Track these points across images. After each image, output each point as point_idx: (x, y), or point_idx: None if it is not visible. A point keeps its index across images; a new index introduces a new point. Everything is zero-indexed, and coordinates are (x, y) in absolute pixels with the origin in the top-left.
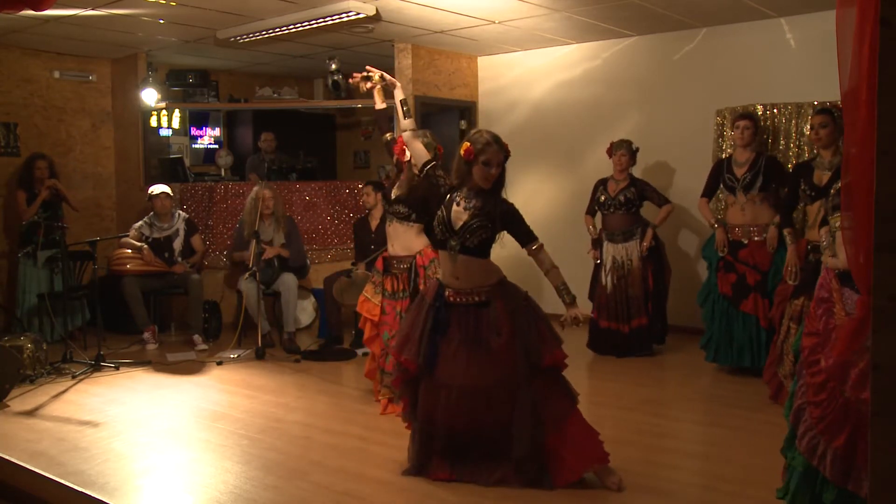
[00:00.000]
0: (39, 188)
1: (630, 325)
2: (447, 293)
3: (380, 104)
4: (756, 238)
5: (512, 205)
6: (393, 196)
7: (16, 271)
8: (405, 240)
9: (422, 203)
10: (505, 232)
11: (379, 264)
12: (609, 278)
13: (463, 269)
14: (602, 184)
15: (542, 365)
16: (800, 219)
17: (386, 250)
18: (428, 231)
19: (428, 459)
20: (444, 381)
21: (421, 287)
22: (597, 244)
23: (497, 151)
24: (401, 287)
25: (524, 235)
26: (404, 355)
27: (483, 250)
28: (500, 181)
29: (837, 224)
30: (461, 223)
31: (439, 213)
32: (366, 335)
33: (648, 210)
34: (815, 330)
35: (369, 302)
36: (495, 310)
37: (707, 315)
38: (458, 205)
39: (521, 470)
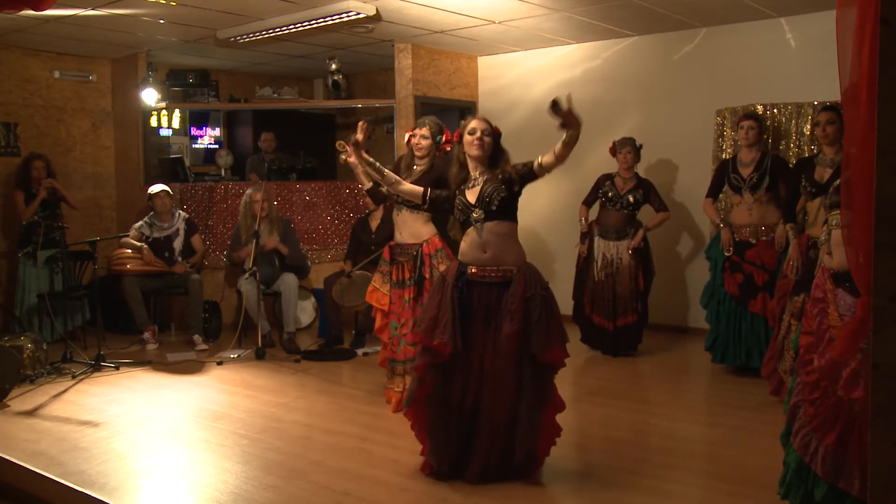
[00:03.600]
0: (37, 188)
1: (615, 323)
2: (470, 270)
3: (367, 184)
4: (764, 238)
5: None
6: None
7: (16, 271)
8: (414, 227)
9: (434, 187)
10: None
11: (386, 253)
12: (600, 274)
13: (491, 238)
14: (608, 179)
15: (539, 359)
16: (800, 218)
17: (386, 248)
18: (437, 219)
19: (448, 448)
20: (469, 362)
21: (426, 275)
22: (585, 237)
23: (479, 121)
24: (406, 275)
25: (527, 165)
26: (437, 339)
27: (509, 211)
28: (497, 156)
29: (835, 222)
30: (476, 196)
31: (457, 200)
32: (377, 325)
33: (645, 212)
34: (810, 329)
35: (378, 292)
36: (513, 293)
37: (711, 316)
38: (469, 188)
39: (520, 462)
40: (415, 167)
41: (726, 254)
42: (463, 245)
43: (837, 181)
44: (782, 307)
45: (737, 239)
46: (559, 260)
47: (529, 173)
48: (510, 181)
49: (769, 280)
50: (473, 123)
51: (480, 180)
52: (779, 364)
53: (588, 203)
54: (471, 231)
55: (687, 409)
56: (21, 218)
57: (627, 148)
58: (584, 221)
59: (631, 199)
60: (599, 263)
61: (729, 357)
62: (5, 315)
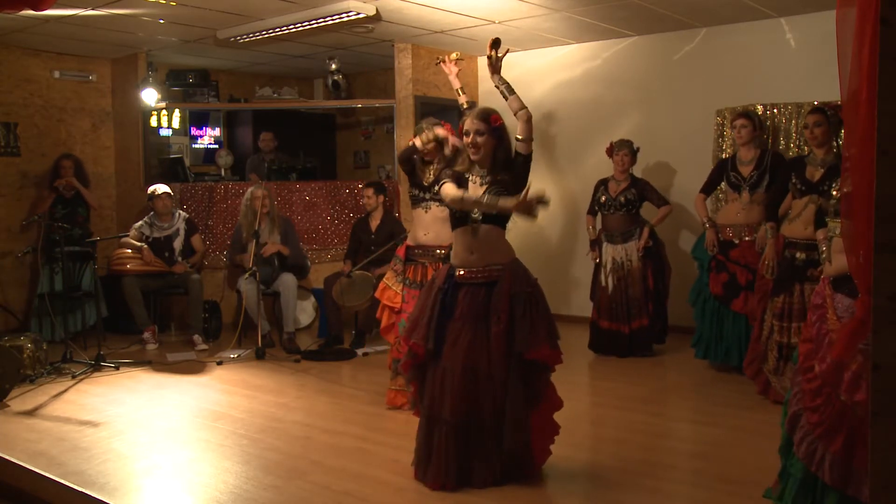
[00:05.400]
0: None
1: (630, 326)
2: (458, 272)
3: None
4: (747, 238)
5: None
6: (427, 182)
7: (35, 270)
8: (441, 229)
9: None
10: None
11: (400, 251)
12: (609, 279)
13: (482, 241)
14: (603, 184)
15: (525, 356)
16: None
17: (402, 247)
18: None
19: (428, 455)
20: (448, 363)
21: None
22: (595, 245)
23: (472, 120)
24: (428, 276)
25: (516, 157)
26: (413, 339)
27: (506, 217)
28: (500, 154)
29: (838, 231)
30: (481, 193)
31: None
32: (383, 324)
33: (648, 210)
34: (809, 336)
35: (390, 290)
36: (499, 292)
37: (698, 314)
38: (473, 182)
39: (511, 461)
40: (431, 168)
41: (710, 253)
42: (454, 246)
43: (838, 182)
44: (763, 308)
45: (721, 238)
46: (558, 261)
47: (523, 164)
48: (509, 187)
49: (753, 279)
50: (466, 124)
51: (488, 178)
52: (763, 364)
53: (592, 212)
54: (464, 231)
55: (687, 408)
56: (35, 213)
57: (625, 150)
58: (591, 230)
59: (622, 199)
60: (609, 268)
61: (710, 353)
62: (26, 312)
